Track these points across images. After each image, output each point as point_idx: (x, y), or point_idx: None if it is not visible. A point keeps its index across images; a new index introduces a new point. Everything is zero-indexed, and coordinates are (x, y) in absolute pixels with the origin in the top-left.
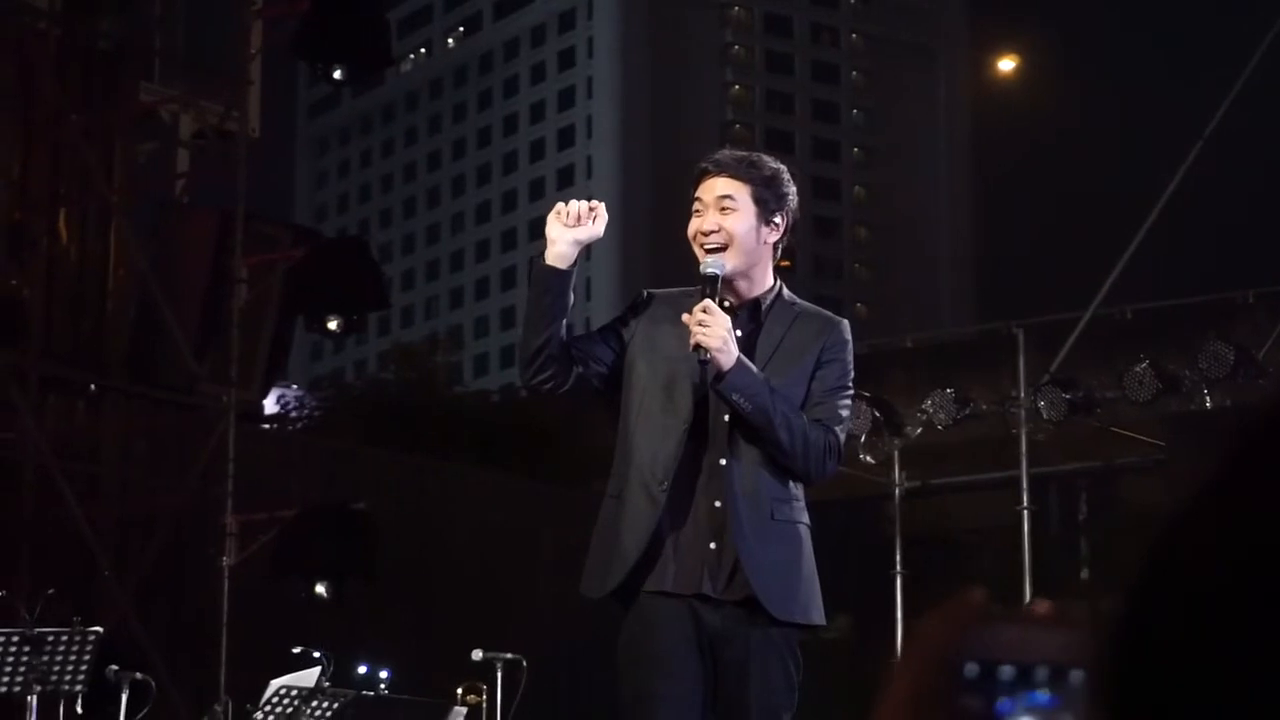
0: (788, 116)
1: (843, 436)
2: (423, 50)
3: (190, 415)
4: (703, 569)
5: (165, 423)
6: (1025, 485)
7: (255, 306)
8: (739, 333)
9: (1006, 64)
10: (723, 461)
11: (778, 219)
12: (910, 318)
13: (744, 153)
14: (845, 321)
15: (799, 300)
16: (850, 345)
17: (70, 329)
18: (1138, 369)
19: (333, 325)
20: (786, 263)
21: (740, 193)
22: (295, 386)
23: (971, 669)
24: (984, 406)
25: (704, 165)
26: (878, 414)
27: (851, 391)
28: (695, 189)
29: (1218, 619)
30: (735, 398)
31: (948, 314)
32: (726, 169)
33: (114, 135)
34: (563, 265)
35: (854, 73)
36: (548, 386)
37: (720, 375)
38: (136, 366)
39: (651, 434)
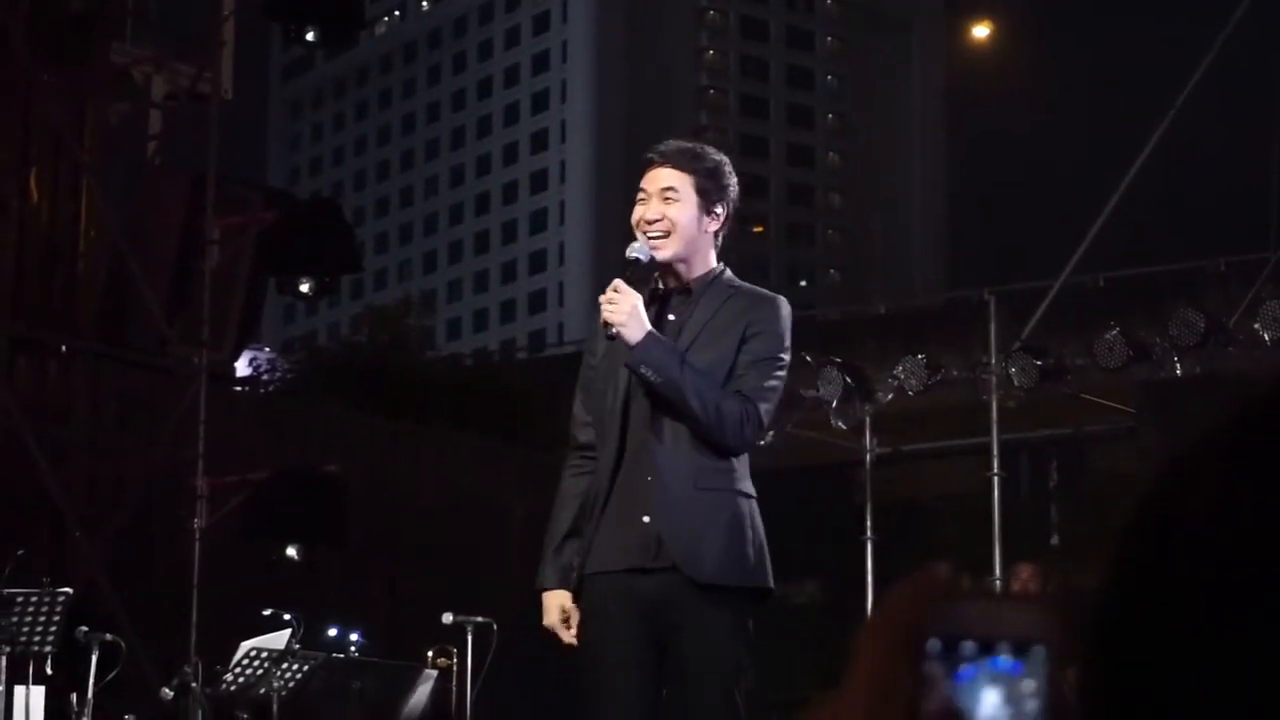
0: (762, 82)
1: (765, 407)
2: (396, 13)
3: (161, 377)
4: (637, 542)
5: (136, 384)
6: (996, 452)
7: (227, 268)
8: (672, 317)
9: (981, 30)
10: (649, 437)
11: (719, 209)
12: (883, 284)
13: (689, 144)
14: (779, 298)
15: (739, 282)
16: (782, 320)
17: (41, 290)
18: (1108, 336)
19: (305, 288)
20: (759, 229)
21: (684, 184)
22: (267, 349)
23: (934, 644)
24: (955, 373)
25: (649, 155)
26: (849, 380)
27: (780, 365)
28: (641, 178)
29: (1213, 594)
30: (644, 370)
31: (920, 281)
32: (671, 160)
33: (86, 96)
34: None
35: (829, 39)
36: None
37: (630, 349)
38: (107, 328)
39: (600, 425)
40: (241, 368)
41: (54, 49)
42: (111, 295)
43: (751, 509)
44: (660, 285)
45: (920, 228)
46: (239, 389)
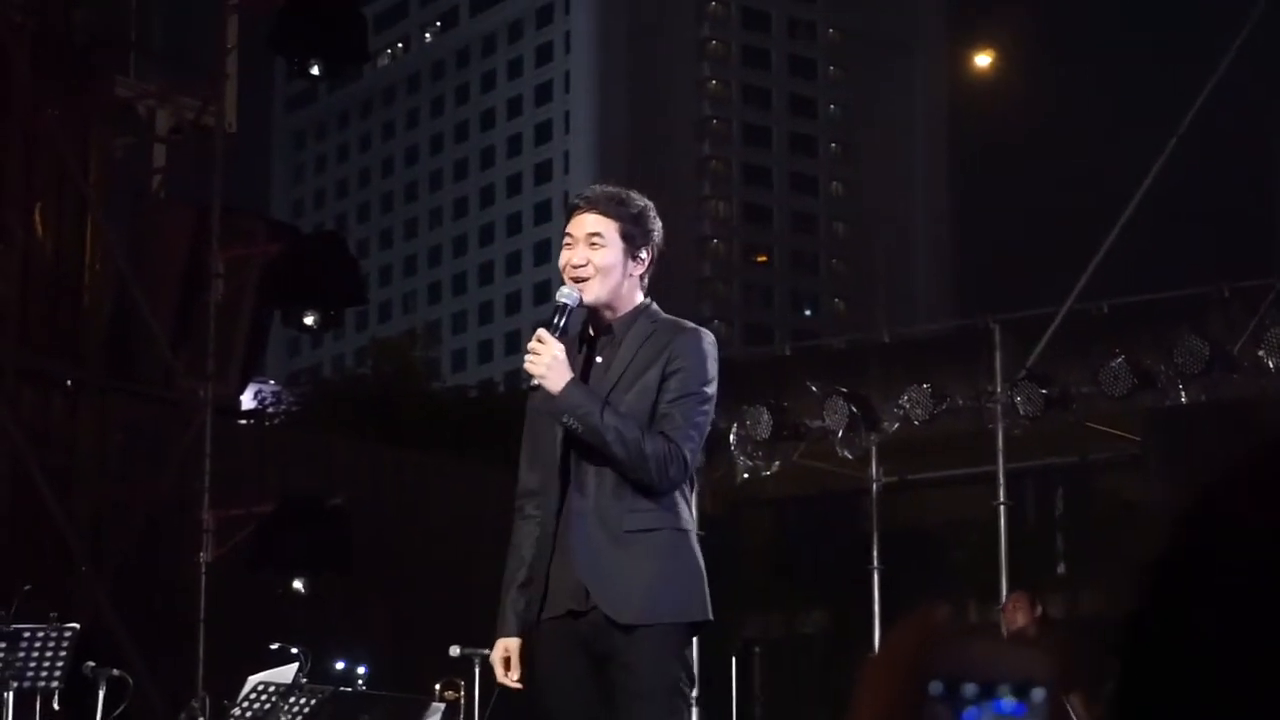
0: (765, 111)
1: (690, 446)
2: (400, 45)
3: (167, 409)
4: (570, 588)
5: (142, 417)
6: (1002, 480)
7: (232, 301)
8: (599, 359)
9: (983, 59)
10: (570, 488)
11: (643, 253)
12: (887, 312)
13: (615, 189)
14: (700, 330)
15: (662, 315)
16: (702, 351)
17: (47, 322)
18: (1113, 364)
19: (310, 320)
20: (763, 258)
21: (609, 229)
22: (272, 381)
23: (936, 686)
24: (960, 401)
25: (576, 201)
26: (854, 409)
27: (703, 399)
28: (566, 223)
29: (1253, 613)
30: (566, 419)
31: (925, 309)
32: (597, 206)
33: (90, 129)
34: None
35: (831, 67)
36: None
37: (552, 399)
38: (113, 360)
39: (541, 473)
40: (247, 400)
41: (58, 82)
42: (116, 327)
43: (683, 543)
44: (589, 329)
45: (924, 255)
46: (244, 421)
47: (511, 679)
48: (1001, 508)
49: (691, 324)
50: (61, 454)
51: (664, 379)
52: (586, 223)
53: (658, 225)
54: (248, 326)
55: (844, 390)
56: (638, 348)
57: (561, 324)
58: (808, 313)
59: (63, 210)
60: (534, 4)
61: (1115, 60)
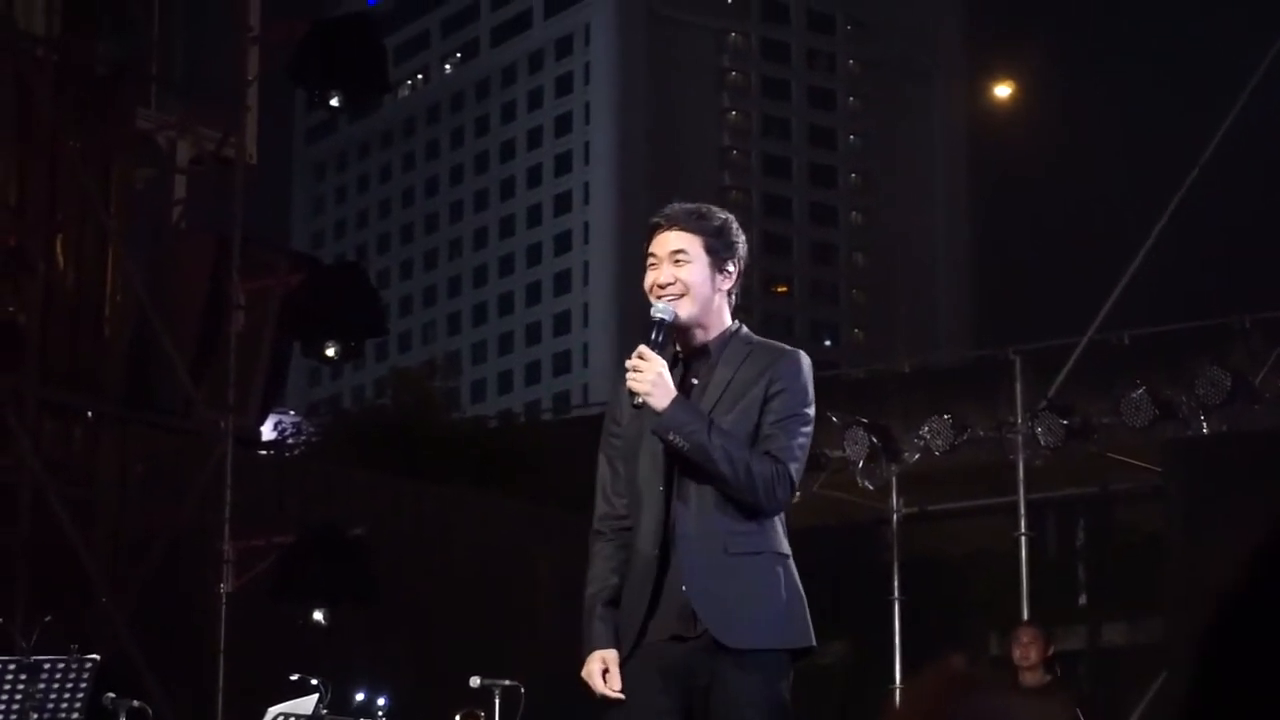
0: (784, 142)
1: (795, 466)
2: (420, 76)
3: (187, 440)
4: (676, 612)
5: (162, 448)
6: (1023, 511)
7: (252, 332)
8: (695, 380)
9: (1003, 90)
10: (676, 506)
11: (730, 267)
12: (907, 343)
13: (693, 205)
14: (798, 353)
15: (755, 338)
16: (802, 375)
17: (67, 354)
18: (1134, 395)
19: (330, 351)
20: (783, 288)
21: (693, 245)
22: (292, 412)
23: None
24: (981, 432)
25: (655, 220)
26: (875, 439)
27: (805, 420)
28: (648, 244)
29: None
30: (671, 437)
31: (945, 339)
32: (678, 223)
33: (111, 161)
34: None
35: (851, 98)
36: None
37: (657, 417)
38: (133, 392)
39: (636, 494)
40: (267, 431)
41: (79, 114)
42: (137, 358)
43: (786, 568)
44: (679, 349)
45: (944, 286)
46: (264, 452)
47: (613, 688)
48: (1023, 538)
49: (789, 347)
50: (81, 485)
51: (766, 400)
52: (669, 240)
53: (741, 238)
54: (268, 357)
55: (864, 420)
56: (736, 368)
57: (660, 340)
58: (828, 343)
59: (84, 241)
60: (554, 35)
61: (1135, 90)
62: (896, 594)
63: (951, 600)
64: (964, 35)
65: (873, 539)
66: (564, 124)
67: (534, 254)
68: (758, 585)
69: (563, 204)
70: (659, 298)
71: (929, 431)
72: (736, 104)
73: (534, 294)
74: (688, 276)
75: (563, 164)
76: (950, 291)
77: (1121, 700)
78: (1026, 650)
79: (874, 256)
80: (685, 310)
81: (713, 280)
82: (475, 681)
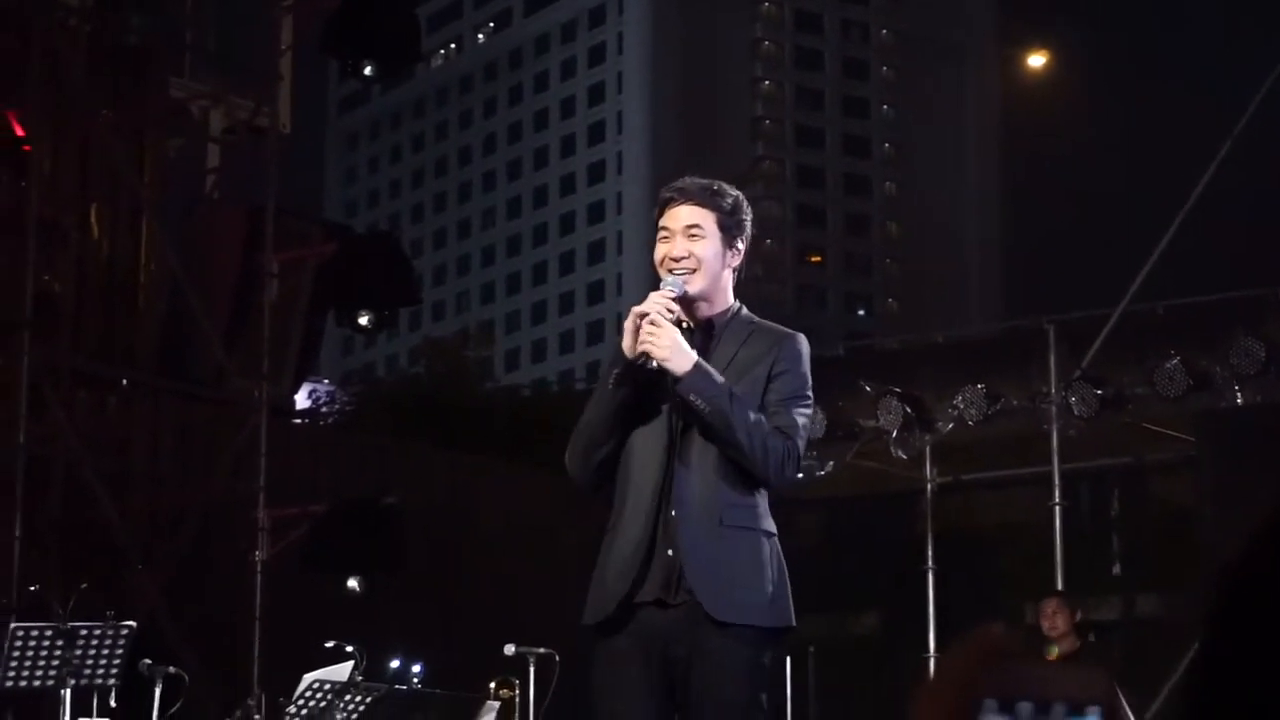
0: (818, 113)
1: (801, 445)
2: (453, 46)
3: (221, 410)
4: (661, 575)
5: (196, 418)
6: (1057, 481)
7: (286, 302)
8: (700, 345)
9: (1036, 60)
10: (678, 470)
11: (739, 244)
12: (941, 313)
13: (707, 181)
14: (799, 335)
15: (757, 319)
16: (805, 358)
17: (101, 325)
18: (1168, 365)
19: (363, 321)
20: (816, 259)
21: (706, 220)
22: (326, 381)
23: (991, 705)
24: (1015, 403)
25: (669, 194)
26: (909, 410)
27: (809, 401)
28: (660, 217)
29: None
30: (693, 399)
31: (978, 310)
32: (693, 198)
33: (144, 131)
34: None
35: (884, 68)
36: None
37: (678, 380)
38: (167, 362)
39: (632, 458)
40: (301, 400)
41: (112, 84)
42: (171, 329)
43: (774, 547)
44: (683, 323)
45: (977, 256)
46: (299, 422)
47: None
48: (1056, 509)
49: (788, 329)
50: (116, 455)
51: (770, 379)
52: (682, 215)
53: (749, 217)
54: (302, 327)
55: (898, 391)
56: (739, 345)
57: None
58: (861, 313)
59: (117, 212)
60: (587, 5)
61: (1169, 59)
62: (930, 564)
63: (985, 570)
64: (997, 5)
65: (906, 509)
66: (597, 93)
67: (567, 223)
68: (749, 561)
69: (596, 173)
70: (671, 271)
71: (963, 401)
72: (770, 74)
73: (567, 263)
74: (701, 251)
75: (595, 133)
76: (984, 262)
77: (1157, 670)
78: (1053, 620)
79: (908, 227)
80: (696, 285)
81: (723, 257)
82: (510, 649)
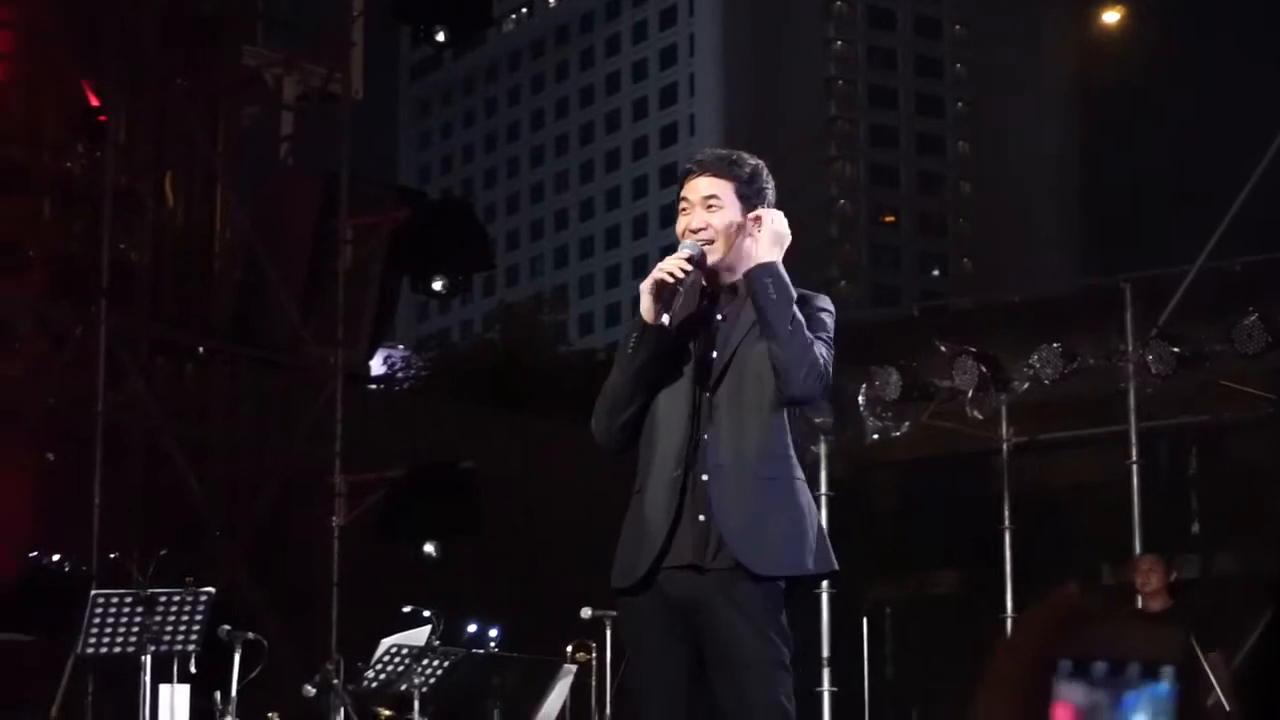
0: (890, 72)
1: (827, 371)
2: (524, 10)
3: (297, 376)
4: (692, 540)
5: (272, 384)
6: (1134, 440)
7: (360, 268)
8: (721, 316)
9: (1111, 15)
10: (705, 435)
11: (760, 212)
12: (1016, 272)
13: (725, 151)
14: (822, 295)
15: None
16: (827, 312)
17: (177, 292)
18: (1246, 322)
19: (438, 286)
20: (890, 219)
21: (724, 191)
22: (401, 347)
23: (1066, 665)
24: (1091, 361)
25: (688, 166)
26: (984, 369)
27: (830, 343)
28: (680, 188)
29: None
30: (767, 280)
31: (1054, 269)
32: (710, 168)
33: (218, 99)
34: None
35: (957, 26)
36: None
37: (761, 264)
38: (243, 328)
39: (661, 427)
40: (376, 366)
41: (186, 53)
42: (246, 296)
43: (807, 492)
44: (706, 284)
45: (1053, 214)
46: (373, 387)
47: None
48: (1134, 467)
49: (811, 291)
50: (194, 422)
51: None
52: (701, 186)
53: (771, 184)
54: (376, 293)
55: (973, 350)
56: None
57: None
58: (936, 273)
59: (192, 180)
60: None
61: (1247, 12)
62: (1007, 524)
63: (1062, 530)
64: None
65: (982, 469)
66: (669, 56)
67: (640, 187)
68: (788, 512)
69: (668, 136)
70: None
71: (1038, 361)
72: (842, 34)
73: (641, 227)
74: (719, 221)
75: (668, 96)
76: (1059, 220)
77: (1238, 628)
78: (1147, 577)
79: (982, 186)
80: (714, 255)
81: (743, 225)
82: (586, 613)
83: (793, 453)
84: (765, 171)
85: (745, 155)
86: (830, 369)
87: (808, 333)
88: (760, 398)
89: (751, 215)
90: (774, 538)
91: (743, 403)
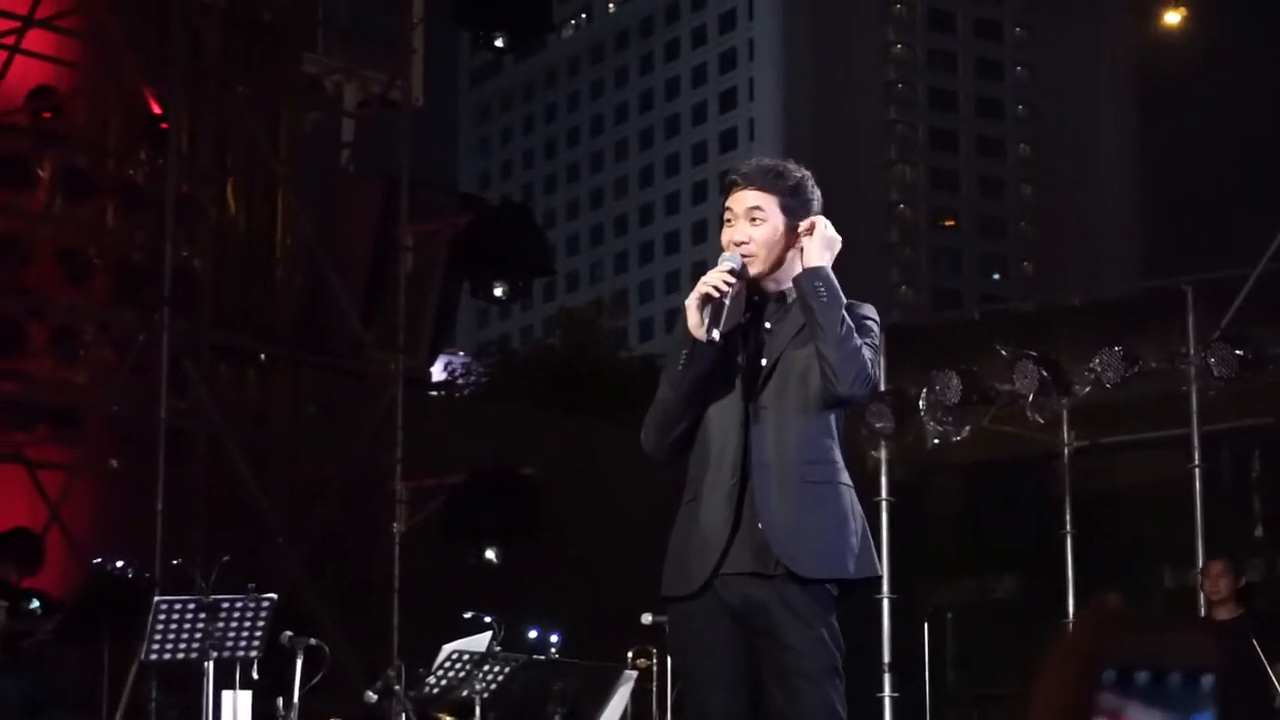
0: (950, 75)
1: (874, 373)
2: (583, 15)
3: (358, 382)
4: (751, 548)
5: (334, 390)
6: (1196, 443)
7: (421, 274)
8: (768, 325)
9: (1173, 16)
10: (754, 439)
11: (811, 220)
12: (1077, 275)
13: (771, 162)
14: (866, 304)
15: None
16: (873, 320)
17: (239, 298)
18: None
19: (498, 292)
20: (950, 222)
21: (768, 203)
22: (462, 353)
23: (1109, 675)
24: (1153, 364)
25: (733, 178)
26: (1045, 373)
27: (875, 347)
28: (725, 199)
29: None
30: (817, 284)
31: (1115, 271)
32: (754, 181)
33: (279, 106)
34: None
35: (1017, 29)
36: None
37: (812, 268)
38: (305, 334)
39: (714, 438)
40: (437, 372)
41: (248, 60)
42: (308, 302)
43: (853, 498)
44: (752, 294)
45: (1114, 217)
46: (434, 393)
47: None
48: (1196, 471)
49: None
50: (256, 428)
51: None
52: (746, 199)
53: (817, 195)
54: (437, 298)
55: (1034, 354)
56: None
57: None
58: (996, 276)
59: (254, 187)
60: None
61: None
62: (1069, 528)
63: (1124, 534)
64: None
65: (1044, 473)
66: (728, 61)
67: (699, 192)
68: (832, 515)
69: (728, 141)
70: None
71: (1100, 364)
72: (901, 37)
73: (700, 232)
74: (762, 235)
75: (727, 101)
76: (1120, 222)
77: None
78: (1216, 583)
79: (1042, 189)
80: (757, 267)
81: (786, 237)
82: (647, 619)
83: (838, 457)
84: (811, 181)
85: (790, 166)
86: (876, 373)
87: (857, 336)
88: (805, 400)
89: (805, 225)
90: (814, 539)
91: (786, 404)
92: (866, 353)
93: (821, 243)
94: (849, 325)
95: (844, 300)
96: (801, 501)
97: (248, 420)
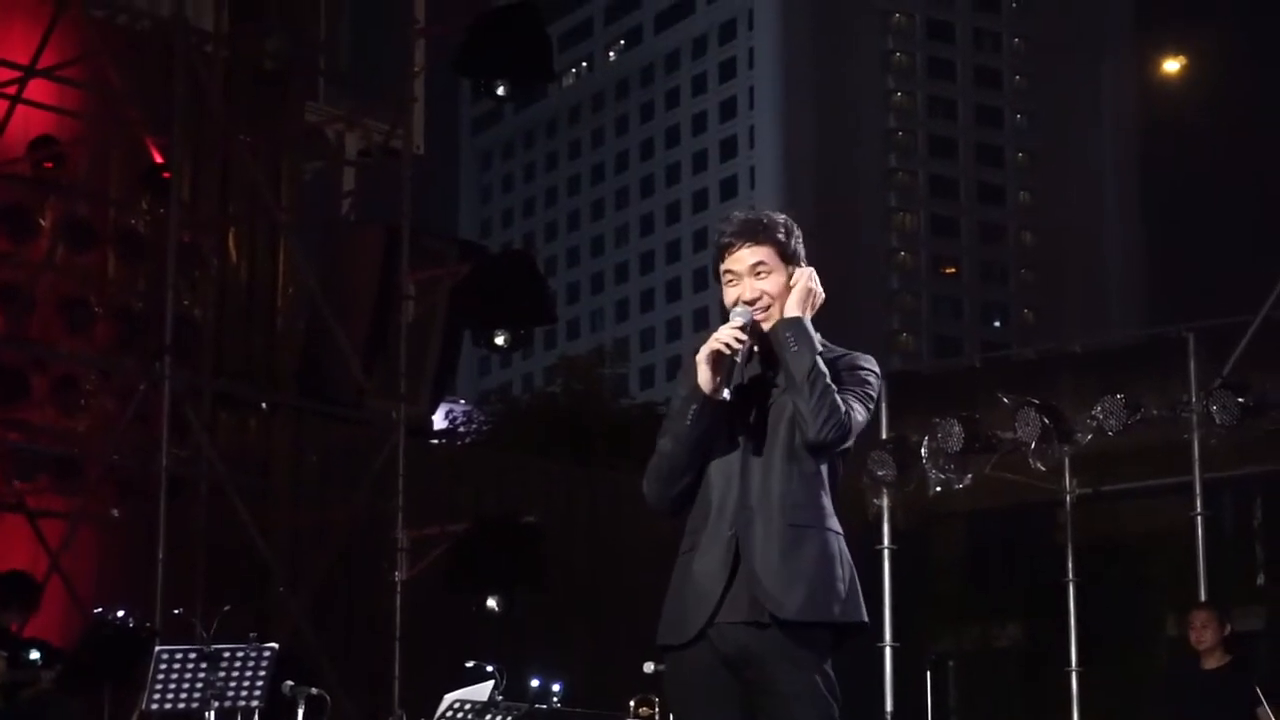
0: (950, 122)
1: (854, 418)
2: (584, 64)
3: (360, 431)
4: (748, 596)
5: (335, 438)
6: (1199, 490)
7: (422, 322)
8: (771, 371)
9: (1172, 64)
10: (749, 486)
11: (801, 266)
12: (1078, 323)
13: (753, 216)
14: (866, 355)
15: (827, 343)
16: (869, 372)
17: (241, 346)
18: None
19: (500, 340)
20: (951, 269)
21: (769, 256)
22: (463, 401)
23: None
24: (1155, 412)
25: (726, 239)
26: (1047, 421)
27: (870, 397)
28: (721, 261)
29: None
30: (788, 334)
31: (1116, 318)
32: (749, 237)
33: (281, 155)
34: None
35: (1017, 77)
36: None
37: (786, 320)
38: (306, 383)
39: (714, 488)
40: (438, 420)
41: (250, 109)
42: (310, 350)
43: (841, 545)
44: (756, 348)
45: (1115, 264)
46: (436, 441)
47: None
48: (1199, 518)
49: (857, 352)
50: (257, 476)
51: (837, 374)
52: (744, 257)
53: (799, 236)
54: (439, 347)
55: (1036, 401)
56: None
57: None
58: (997, 324)
59: (255, 235)
60: (718, 20)
61: None
62: (1071, 576)
63: (1127, 581)
64: (1132, 10)
65: (1046, 521)
66: (728, 109)
67: (700, 239)
68: (817, 558)
69: (728, 189)
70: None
71: (1101, 411)
72: (901, 85)
73: (701, 279)
74: (773, 288)
75: (728, 149)
76: (1121, 270)
77: None
78: (1201, 633)
79: (1043, 236)
80: (770, 322)
81: (787, 285)
82: (649, 667)
83: (827, 503)
84: (795, 227)
85: (772, 215)
86: (855, 421)
87: (831, 383)
88: (790, 445)
89: (794, 278)
90: (798, 583)
91: (774, 450)
92: (850, 401)
93: (801, 294)
94: (820, 372)
95: (818, 348)
96: (785, 544)
97: (249, 469)
